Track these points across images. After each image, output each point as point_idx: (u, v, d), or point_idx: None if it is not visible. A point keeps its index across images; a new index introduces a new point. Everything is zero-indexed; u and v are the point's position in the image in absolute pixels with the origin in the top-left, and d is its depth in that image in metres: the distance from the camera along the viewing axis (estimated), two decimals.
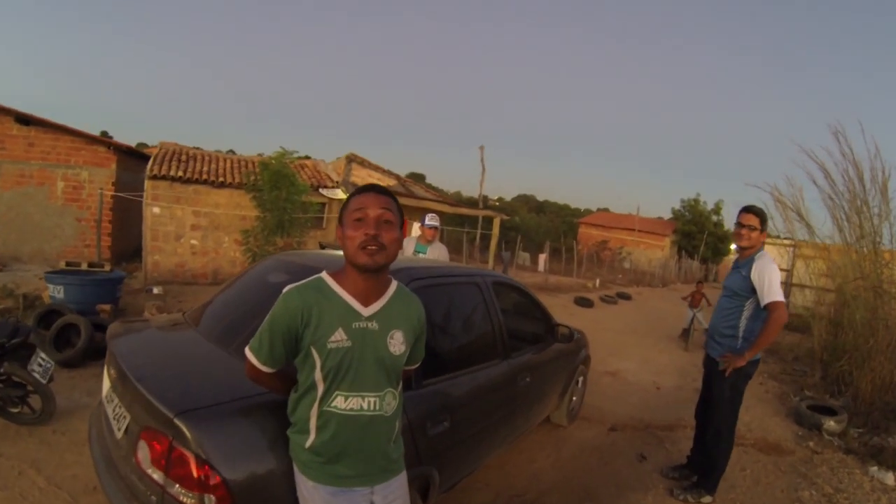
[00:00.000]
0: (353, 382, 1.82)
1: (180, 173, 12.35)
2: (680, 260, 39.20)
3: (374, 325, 1.86)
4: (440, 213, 17.24)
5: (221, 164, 14.21)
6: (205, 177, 12.65)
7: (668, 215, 51.26)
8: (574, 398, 5.53)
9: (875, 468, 5.20)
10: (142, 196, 11.79)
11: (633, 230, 46.01)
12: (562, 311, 13.95)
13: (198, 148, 15.96)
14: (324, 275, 1.93)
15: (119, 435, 2.29)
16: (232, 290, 3.29)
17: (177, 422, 1.89)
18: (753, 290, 3.88)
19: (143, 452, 2.01)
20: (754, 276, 3.86)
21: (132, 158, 14.54)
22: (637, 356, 9.74)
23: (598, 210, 61.01)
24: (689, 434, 5.20)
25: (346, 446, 1.84)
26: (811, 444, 5.86)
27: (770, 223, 8.81)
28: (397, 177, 18.87)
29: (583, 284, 21.88)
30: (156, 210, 12.09)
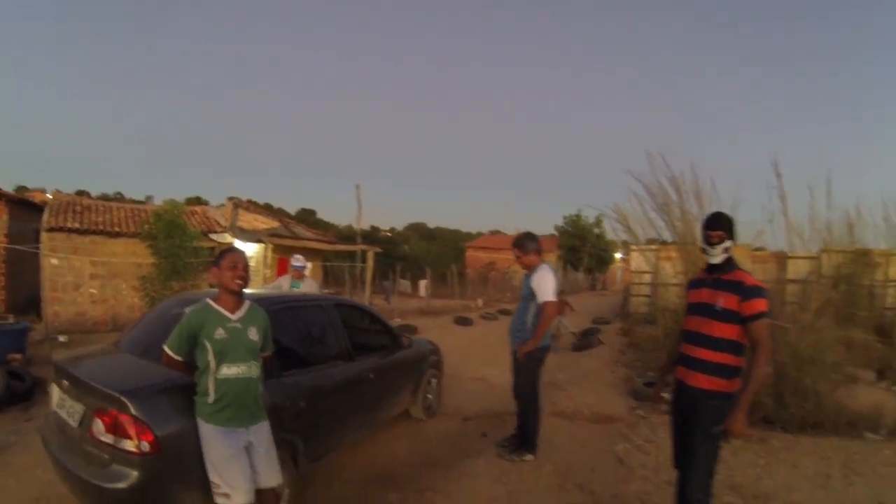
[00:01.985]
0: (232, 358, 3.12)
1: (77, 224, 12.93)
2: (566, 273, 41.48)
3: (238, 325, 3.22)
4: (320, 251, 18.76)
5: (115, 213, 14.81)
6: (101, 227, 13.26)
7: (553, 232, 53.34)
8: (430, 396, 6.72)
9: None
10: (38, 247, 12.24)
11: (506, 249, 47.88)
12: (441, 330, 15.00)
13: (83, 192, 16.56)
14: (207, 300, 3.30)
15: (75, 424, 3.37)
16: (145, 322, 4.51)
17: (122, 398, 3.06)
18: (534, 295, 5.25)
19: (97, 426, 3.13)
20: (534, 283, 5.26)
21: (20, 207, 14.84)
22: (505, 363, 10.63)
23: (490, 232, 62.50)
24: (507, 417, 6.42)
25: (231, 399, 3.11)
26: (641, 412, 7.10)
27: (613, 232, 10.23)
28: (280, 219, 20.41)
29: (466, 305, 23.36)
30: (54, 261, 12.54)
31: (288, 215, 61.43)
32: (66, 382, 3.59)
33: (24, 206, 15.26)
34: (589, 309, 20.83)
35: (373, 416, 5.43)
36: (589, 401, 7.74)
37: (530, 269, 5.43)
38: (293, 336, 4.54)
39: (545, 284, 5.23)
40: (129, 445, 3.00)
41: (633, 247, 11.85)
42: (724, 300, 3.31)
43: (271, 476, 3.27)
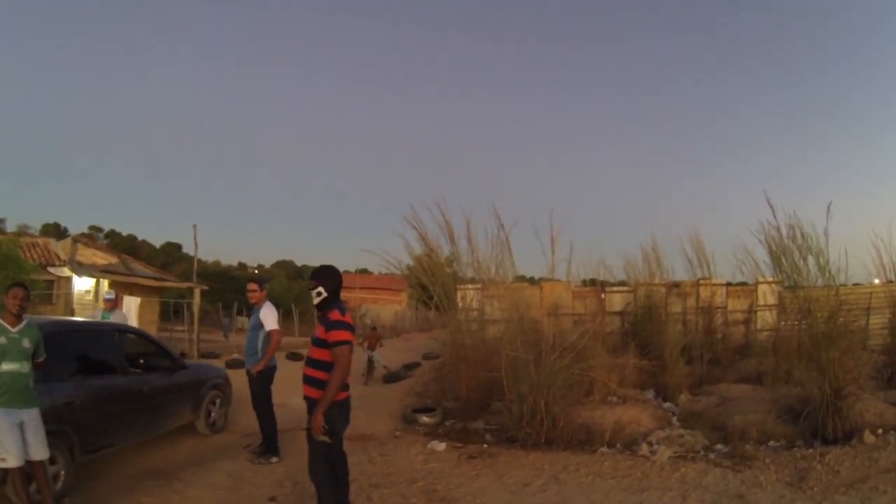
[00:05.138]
0: (10, 358, 4.42)
1: None
2: (417, 310, 42.99)
3: (16, 335, 4.50)
4: (157, 288, 20.45)
5: None
6: None
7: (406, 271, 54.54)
8: (213, 415, 8.01)
9: (435, 441, 7.35)
10: None
11: (359, 288, 48.50)
12: None
13: None
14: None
15: None
16: None
17: None
18: (262, 325, 6.85)
19: None
20: (262, 316, 6.86)
21: None
22: None
23: (357, 271, 63.58)
24: (291, 433, 7.55)
25: (8, 388, 4.43)
26: (398, 433, 8.12)
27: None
28: (119, 255, 22.23)
29: (306, 342, 24.39)
30: None
31: (152, 248, 60.40)
32: None
33: None
34: (428, 345, 21.70)
35: (149, 424, 6.80)
36: (360, 424, 8.47)
37: (259, 303, 6.96)
38: (70, 351, 5.82)
39: (269, 317, 6.90)
40: None
41: (459, 286, 13.24)
42: (319, 331, 4.34)
43: (39, 450, 4.67)
